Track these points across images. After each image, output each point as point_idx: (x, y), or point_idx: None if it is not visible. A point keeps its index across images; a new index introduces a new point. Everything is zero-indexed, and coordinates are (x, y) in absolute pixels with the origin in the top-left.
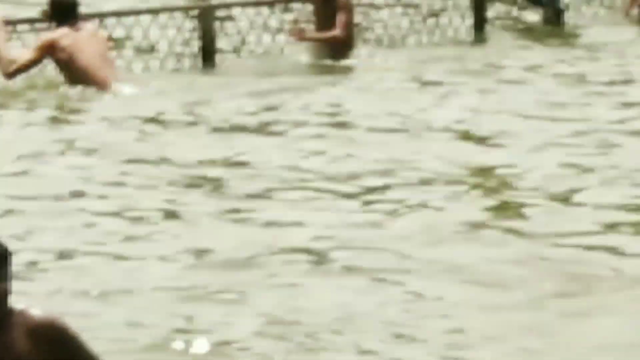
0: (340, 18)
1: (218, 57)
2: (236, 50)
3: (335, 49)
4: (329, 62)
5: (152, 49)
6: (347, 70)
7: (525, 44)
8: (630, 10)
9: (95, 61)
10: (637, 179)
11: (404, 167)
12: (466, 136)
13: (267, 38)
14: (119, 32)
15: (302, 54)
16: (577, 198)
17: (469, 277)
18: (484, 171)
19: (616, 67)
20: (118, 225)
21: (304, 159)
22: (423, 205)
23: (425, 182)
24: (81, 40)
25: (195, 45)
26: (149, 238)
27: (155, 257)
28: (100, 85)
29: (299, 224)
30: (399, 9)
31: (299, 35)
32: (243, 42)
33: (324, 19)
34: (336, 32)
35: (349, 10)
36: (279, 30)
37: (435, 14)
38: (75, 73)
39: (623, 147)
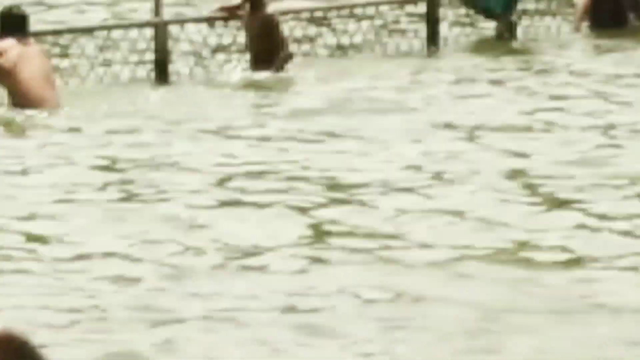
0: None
1: (172, 72)
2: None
3: (262, 62)
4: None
5: (107, 64)
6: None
7: (478, 56)
8: (579, 25)
9: (38, 77)
10: None
11: None
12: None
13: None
14: (74, 49)
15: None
16: None
17: None
18: None
19: (563, 83)
20: None
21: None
22: None
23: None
24: (28, 55)
25: (149, 60)
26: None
27: None
28: (39, 102)
29: None
30: (352, 22)
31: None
32: (198, 57)
33: (256, 35)
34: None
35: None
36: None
37: (389, 27)
38: (16, 86)
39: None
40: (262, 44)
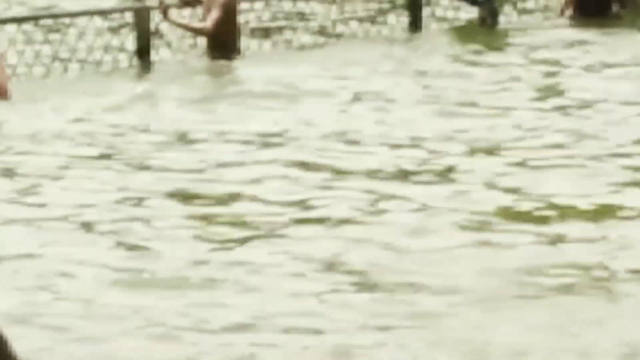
0: (213, 14)
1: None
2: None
3: (216, 49)
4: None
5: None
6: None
7: (460, 43)
8: (565, 10)
9: None
10: None
11: None
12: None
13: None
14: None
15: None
16: None
17: None
18: None
19: (545, 68)
20: None
21: None
22: None
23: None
24: None
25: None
26: None
27: None
28: None
29: None
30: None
31: (164, 13)
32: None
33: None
34: (205, 25)
35: (227, 9)
36: None
37: (371, 13)
38: None
39: None
40: (219, 31)
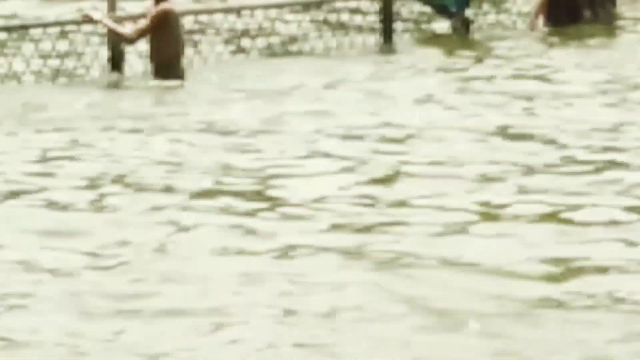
0: (140, 23)
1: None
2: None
3: (157, 68)
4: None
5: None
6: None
7: (432, 53)
8: (535, 23)
9: None
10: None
11: None
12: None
13: None
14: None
15: None
16: None
17: None
18: None
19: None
20: None
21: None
22: None
23: None
24: None
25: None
26: None
27: None
28: None
29: None
30: (307, 18)
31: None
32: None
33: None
34: (127, 31)
35: (160, 22)
36: None
37: (343, 24)
38: None
39: None
40: (160, 44)
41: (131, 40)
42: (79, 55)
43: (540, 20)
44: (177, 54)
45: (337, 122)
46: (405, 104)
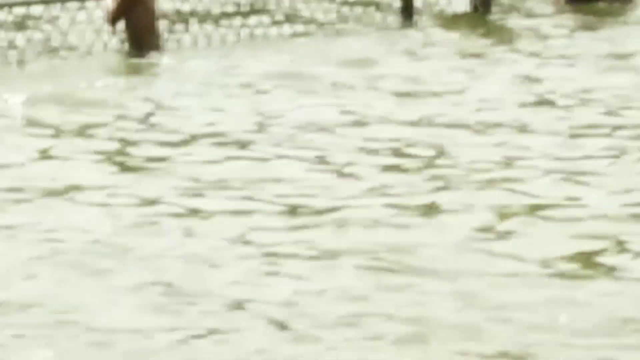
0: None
1: None
2: None
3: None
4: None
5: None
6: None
7: (452, 31)
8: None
9: None
10: None
11: None
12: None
13: None
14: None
15: None
16: None
17: None
18: None
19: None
20: None
21: None
22: None
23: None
24: None
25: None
26: None
27: None
28: None
29: None
30: None
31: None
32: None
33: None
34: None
35: None
36: None
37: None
38: None
39: None
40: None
41: (114, 20)
42: None
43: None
44: (153, 25)
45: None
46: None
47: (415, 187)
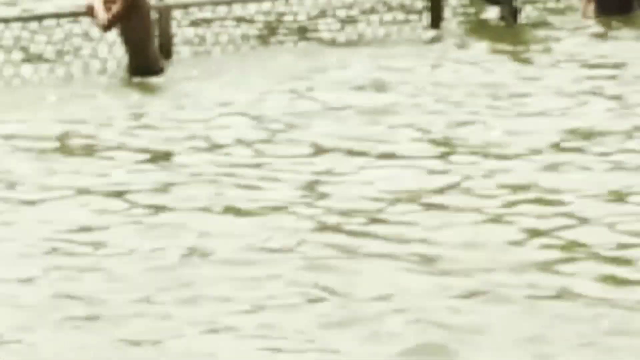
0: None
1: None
2: None
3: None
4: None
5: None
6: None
7: (480, 41)
8: (588, 11)
9: None
10: None
11: None
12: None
13: None
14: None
15: None
16: None
17: None
18: None
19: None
20: None
21: None
22: None
23: None
24: None
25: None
26: None
27: None
28: None
29: None
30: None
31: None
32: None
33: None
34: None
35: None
36: None
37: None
38: None
39: None
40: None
41: (107, 27)
42: None
43: (591, 8)
44: (149, 39)
45: None
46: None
47: None
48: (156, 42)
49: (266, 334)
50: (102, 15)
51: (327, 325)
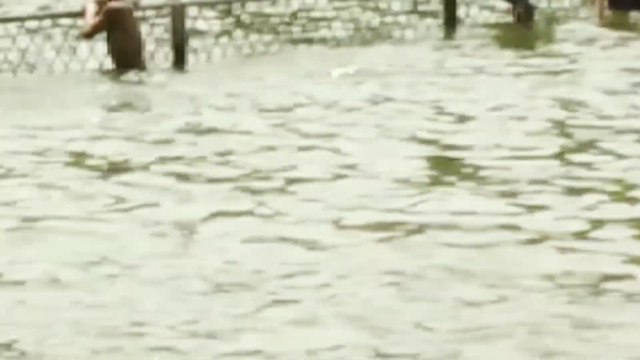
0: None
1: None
2: None
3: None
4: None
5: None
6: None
7: (495, 39)
8: (603, 8)
9: None
10: None
11: None
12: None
13: None
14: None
15: None
16: None
17: None
18: None
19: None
20: None
21: None
22: None
23: None
24: None
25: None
26: None
27: None
28: None
29: None
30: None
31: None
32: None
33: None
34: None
35: (111, 17)
36: None
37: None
38: None
39: None
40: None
41: (85, 34)
42: None
43: (605, 4)
44: (137, 48)
45: None
46: None
47: None
48: (166, 45)
49: None
50: (89, 21)
51: None
